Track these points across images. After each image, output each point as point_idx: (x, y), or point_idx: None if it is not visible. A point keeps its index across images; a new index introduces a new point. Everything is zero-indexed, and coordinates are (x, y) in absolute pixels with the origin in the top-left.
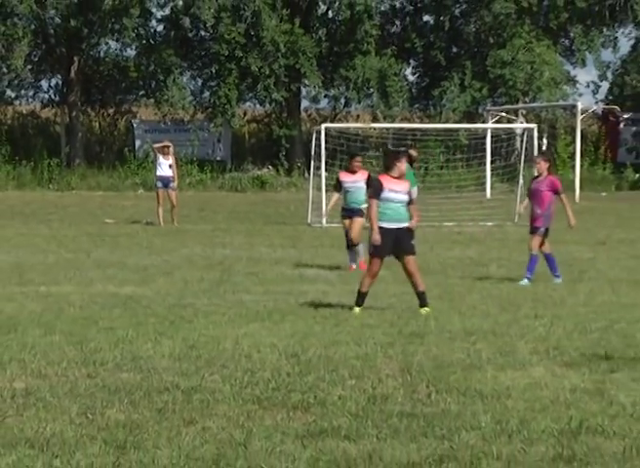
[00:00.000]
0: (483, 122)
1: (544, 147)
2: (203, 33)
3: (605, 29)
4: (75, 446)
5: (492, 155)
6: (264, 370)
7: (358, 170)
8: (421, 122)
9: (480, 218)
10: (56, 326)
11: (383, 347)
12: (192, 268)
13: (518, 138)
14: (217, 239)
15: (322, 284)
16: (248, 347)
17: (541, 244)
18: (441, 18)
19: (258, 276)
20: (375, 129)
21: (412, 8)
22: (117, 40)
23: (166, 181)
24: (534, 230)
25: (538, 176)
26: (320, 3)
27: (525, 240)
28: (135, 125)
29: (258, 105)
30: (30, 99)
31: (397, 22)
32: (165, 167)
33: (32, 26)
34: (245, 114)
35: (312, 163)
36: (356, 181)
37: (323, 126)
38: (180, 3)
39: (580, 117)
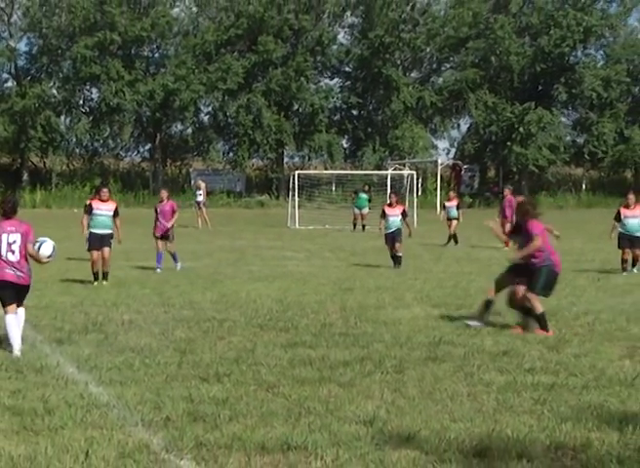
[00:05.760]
0: (386, 170)
1: (420, 185)
2: (229, 120)
3: (453, 119)
4: (157, 351)
5: (391, 188)
6: (263, 309)
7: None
8: (351, 170)
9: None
10: (146, 284)
11: (330, 296)
12: (223, 252)
13: (405, 179)
14: (236, 235)
15: (295, 260)
16: (254, 296)
17: (164, 244)
18: (361, 112)
19: (259, 256)
20: (325, 174)
21: (345, 106)
22: (182, 124)
23: (199, 204)
24: (162, 236)
25: (162, 201)
26: (294, 103)
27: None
28: (190, 171)
29: (260, 160)
30: (133, 157)
31: (337, 114)
32: (197, 195)
33: (134, 117)
34: (253, 165)
35: (290, 193)
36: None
37: (296, 172)
38: (217, 104)
39: (439, 167)
